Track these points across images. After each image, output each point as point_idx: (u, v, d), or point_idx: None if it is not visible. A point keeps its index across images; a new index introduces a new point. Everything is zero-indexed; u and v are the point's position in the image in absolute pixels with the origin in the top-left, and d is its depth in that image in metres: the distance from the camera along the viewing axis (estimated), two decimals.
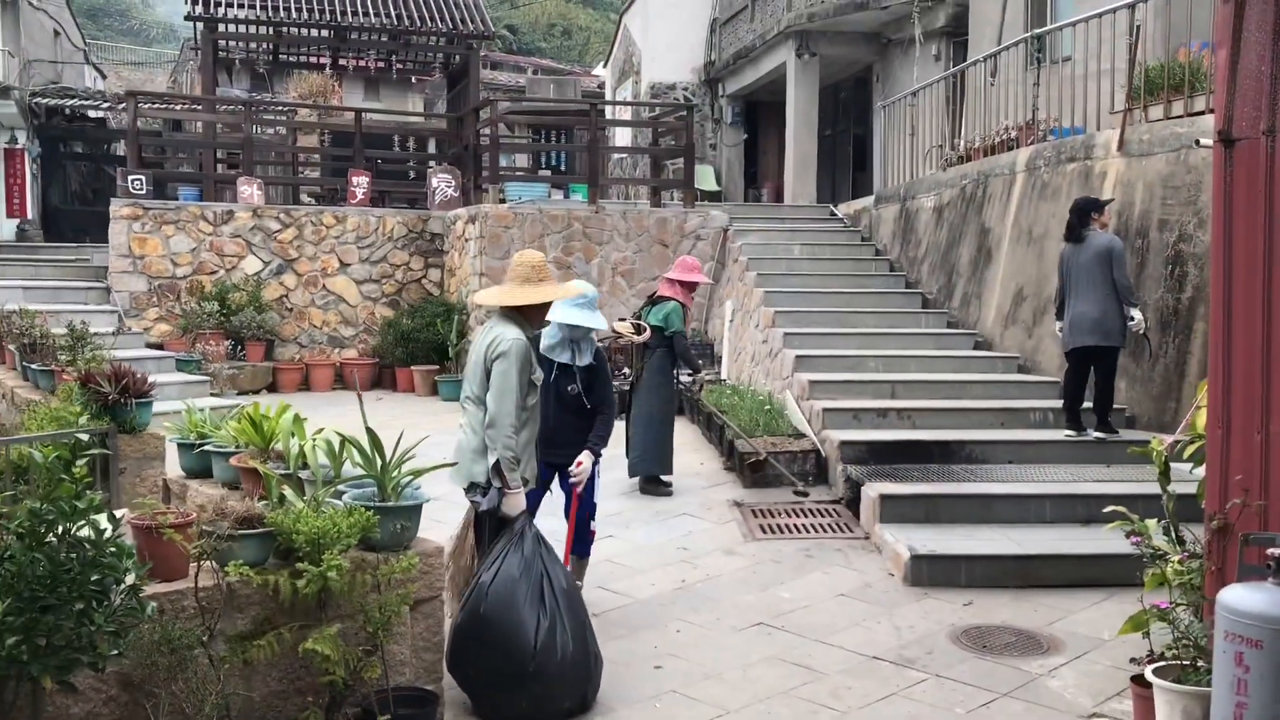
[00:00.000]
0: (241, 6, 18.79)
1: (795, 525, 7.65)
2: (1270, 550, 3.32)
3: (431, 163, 17.99)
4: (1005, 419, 8.89)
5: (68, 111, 21.64)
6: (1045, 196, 10.28)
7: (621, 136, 22.86)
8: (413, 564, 4.18)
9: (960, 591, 6.34)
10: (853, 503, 7.83)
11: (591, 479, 5.82)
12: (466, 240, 14.31)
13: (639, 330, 8.69)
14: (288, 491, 4.28)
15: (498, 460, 4.77)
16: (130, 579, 3.35)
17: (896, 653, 5.44)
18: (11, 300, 11.23)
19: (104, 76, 30.01)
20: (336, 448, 4.53)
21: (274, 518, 3.99)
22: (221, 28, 18.90)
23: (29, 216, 20.41)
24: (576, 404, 5.77)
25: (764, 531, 7.51)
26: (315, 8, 19.15)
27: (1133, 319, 7.87)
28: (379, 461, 4.42)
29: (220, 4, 18.56)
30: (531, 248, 12.49)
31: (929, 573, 6.49)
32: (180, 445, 5.94)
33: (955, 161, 12.71)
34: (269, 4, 18.97)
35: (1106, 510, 5.01)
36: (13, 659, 3.04)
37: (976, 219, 11.51)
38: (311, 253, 14.87)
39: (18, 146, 20.24)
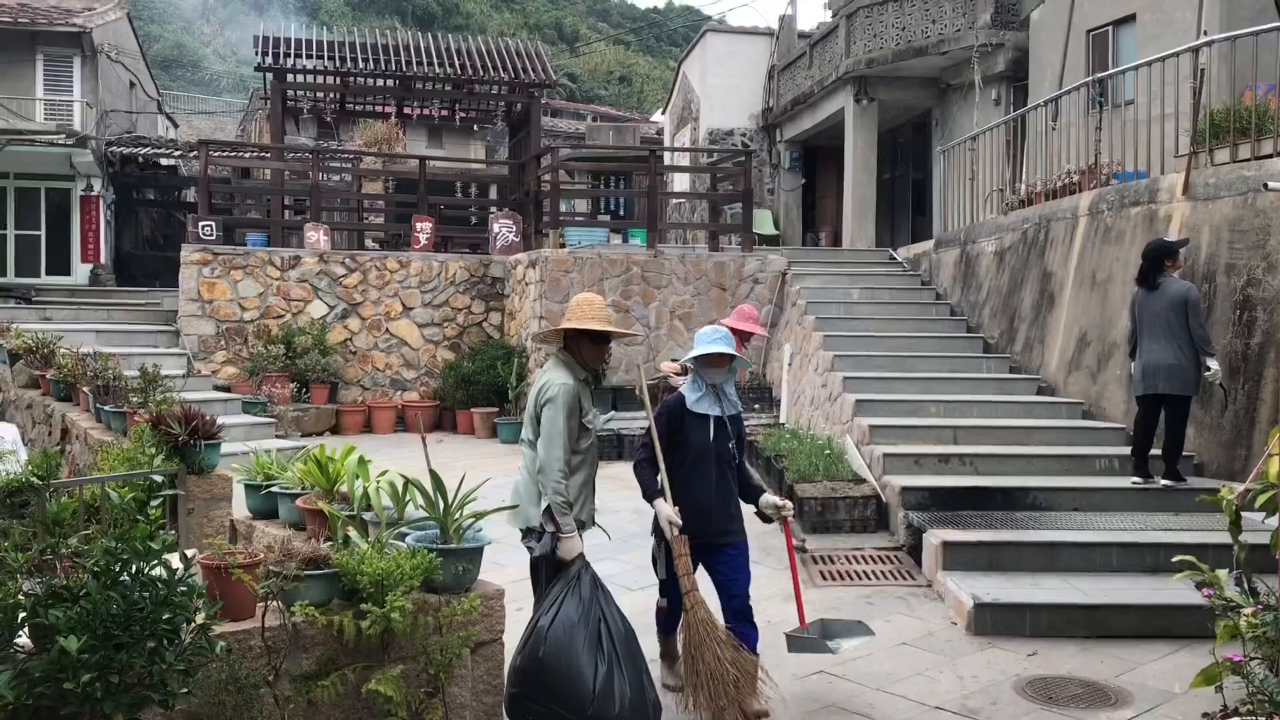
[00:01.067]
0: (310, 58, 19.26)
1: (856, 572, 7.57)
2: None
3: (493, 208, 18.24)
4: (1070, 466, 8.76)
5: (141, 160, 22.24)
6: (1109, 240, 10.17)
7: (680, 182, 23.02)
8: (474, 606, 4.21)
9: (1025, 641, 6.23)
10: (914, 550, 7.74)
11: (745, 559, 5.39)
12: (527, 284, 14.46)
13: (685, 372, 8.64)
14: (352, 533, 4.35)
15: (550, 505, 4.79)
16: (200, 618, 3.42)
17: (960, 703, 5.36)
18: (86, 343, 11.59)
19: (176, 125, 30.84)
20: (400, 490, 4.59)
21: (339, 559, 4.04)
22: (290, 78, 19.39)
23: (102, 261, 20.97)
24: (728, 464, 5.36)
25: (824, 578, 7.45)
26: (381, 59, 19.59)
27: (1209, 369, 7.72)
28: (441, 504, 4.46)
29: (289, 55, 19.06)
30: (590, 291, 12.75)
31: (993, 622, 6.39)
32: (248, 487, 6.06)
33: (1016, 205, 12.64)
34: (336, 55, 19.44)
35: (1175, 560, 4.91)
36: (87, 696, 3.10)
37: (1039, 263, 11.41)
38: (375, 297, 15.13)
39: (93, 194, 20.85)
